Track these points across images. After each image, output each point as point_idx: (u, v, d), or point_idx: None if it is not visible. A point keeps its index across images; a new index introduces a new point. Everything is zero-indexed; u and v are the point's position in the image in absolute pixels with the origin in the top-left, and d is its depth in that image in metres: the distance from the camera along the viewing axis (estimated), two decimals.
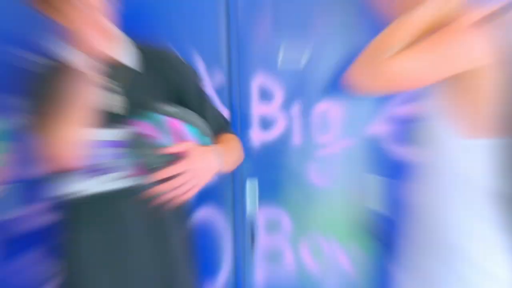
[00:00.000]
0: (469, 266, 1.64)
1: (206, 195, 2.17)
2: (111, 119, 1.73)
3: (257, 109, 2.25)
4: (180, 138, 1.65)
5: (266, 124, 2.26)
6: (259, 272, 2.33)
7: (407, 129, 2.17)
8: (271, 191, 2.30)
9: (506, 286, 1.65)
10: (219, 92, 2.18)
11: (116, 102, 1.74)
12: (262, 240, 2.33)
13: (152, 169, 1.64)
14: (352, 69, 1.72)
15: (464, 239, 1.66)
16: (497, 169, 1.63)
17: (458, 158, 1.65)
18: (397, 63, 1.61)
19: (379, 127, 2.25)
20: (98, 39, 1.62)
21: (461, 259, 1.64)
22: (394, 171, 2.28)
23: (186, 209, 1.92)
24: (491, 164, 1.62)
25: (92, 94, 1.65)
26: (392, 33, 1.67)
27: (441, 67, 1.63)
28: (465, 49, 1.58)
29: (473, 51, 1.57)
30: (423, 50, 1.62)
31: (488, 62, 1.56)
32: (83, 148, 1.71)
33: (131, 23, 1.89)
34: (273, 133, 2.30)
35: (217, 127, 1.87)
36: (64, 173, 1.77)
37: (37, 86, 1.75)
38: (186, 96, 1.87)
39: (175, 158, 1.63)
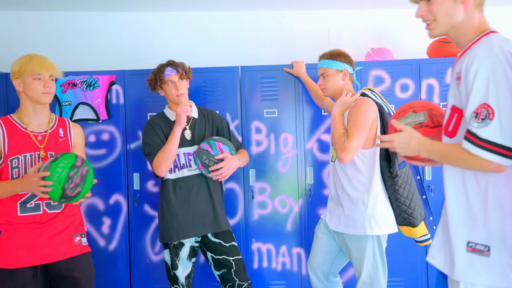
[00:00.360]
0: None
1: (232, 177, 2.89)
2: (187, 142, 2.57)
3: (254, 137, 3.13)
4: (221, 151, 2.45)
5: (258, 144, 3.13)
6: (255, 213, 3.13)
7: (324, 145, 3.01)
8: (261, 175, 3.12)
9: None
10: (237, 129, 3.10)
11: (189, 134, 2.61)
12: (256, 198, 3.13)
13: (207, 166, 2.43)
14: (337, 154, 2.30)
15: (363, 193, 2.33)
16: (376, 160, 2.32)
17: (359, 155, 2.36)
18: (351, 143, 2.29)
19: (311, 144, 3.15)
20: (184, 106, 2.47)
21: (352, 202, 2.29)
22: (318, 164, 3.14)
23: (222, 183, 2.66)
24: (375, 157, 2.35)
25: (180, 131, 2.49)
26: (336, 130, 2.36)
27: (365, 131, 2.32)
28: (367, 116, 2.30)
29: (370, 114, 2.32)
30: (355, 131, 2.31)
31: (374, 117, 2.33)
32: (174, 157, 2.45)
33: (195, 96, 2.87)
34: (262, 148, 3.14)
35: (237, 146, 2.69)
36: (161, 172, 2.46)
37: (155, 129, 2.61)
38: (222, 131, 2.68)
39: (219, 160, 2.43)
